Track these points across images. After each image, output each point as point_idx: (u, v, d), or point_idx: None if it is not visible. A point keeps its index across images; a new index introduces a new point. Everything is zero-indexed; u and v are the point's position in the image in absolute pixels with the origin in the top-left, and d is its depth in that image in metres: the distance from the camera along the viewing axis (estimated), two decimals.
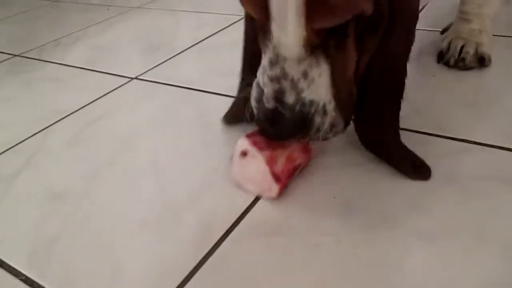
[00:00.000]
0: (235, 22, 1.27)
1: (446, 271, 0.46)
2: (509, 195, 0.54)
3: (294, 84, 0.49)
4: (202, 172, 0.66)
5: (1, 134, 0.86)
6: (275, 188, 0.56)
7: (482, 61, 0.83)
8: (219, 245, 0.53)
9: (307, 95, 0.50)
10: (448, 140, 0.65)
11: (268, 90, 0.50)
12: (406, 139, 0.61)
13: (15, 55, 1.31)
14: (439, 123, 0.69)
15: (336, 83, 0.51)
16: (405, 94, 0.59)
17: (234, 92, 0.73)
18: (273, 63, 0.49)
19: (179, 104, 0.88)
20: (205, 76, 0.98)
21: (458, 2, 0.87)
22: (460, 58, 0.84)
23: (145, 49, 1.21)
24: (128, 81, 1.02)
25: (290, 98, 0.49)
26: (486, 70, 0.83)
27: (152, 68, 1.07)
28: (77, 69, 1.14)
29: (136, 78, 1.03)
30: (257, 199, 0.59)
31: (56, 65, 1.19)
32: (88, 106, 0.93)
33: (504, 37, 0.95)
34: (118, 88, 0.99)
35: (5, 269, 0.55)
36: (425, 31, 0.98)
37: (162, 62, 1.10)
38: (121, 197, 0.64)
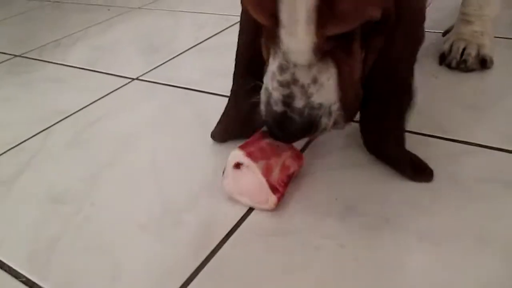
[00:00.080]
0: (235, 23, 1.27)
1: (447, 272, 0.46)
2: (509, 198, 0.54)
3: (304, 90, 0.50)
4: (202, 173, 0.66)
5: (2, 134, 0.86)
6: (273, 199, 0.55)
7: (484, 63, 0.83)
8: (220, 247, 0.53)
9: (316, 99, 0.50)
10: (449, 141, 0.65)
11: (277, 94, 0.51)
12: (407, 140, 0.60)
13: (15, 56, 1.31)
14: (440, 124, 0.69)
15: (342, 85, 0.51)
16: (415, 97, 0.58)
17: None
18: (283, 69, 0.49)
19: (179, 104, 0.88)
20: (206, 77, 0.98)
21: (460, 3, 0.87)
22: (462, 60, 0.83)
23: (146, 49, 1.21)
24: (129, 82, 1.02)
25: (299, 103, 0.50)
26: (487, 72, 0.83)
27: (153, 69, 1.07)
28: (77, 69, 1.14)
29: (136, 78, 1.03)
30: None
31: (57, 65, 1.19)
32: (89, 106, 0.93)
33: (505, 39, 0.95)
34: (119, 89, 0.99)
35: (5, 270, 0.55)
36: (426, 32, 0.97)
37: (163, 63, 1.09)
38: (121, 198, 0.64)
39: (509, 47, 0.92)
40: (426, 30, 0.57)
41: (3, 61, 1.28)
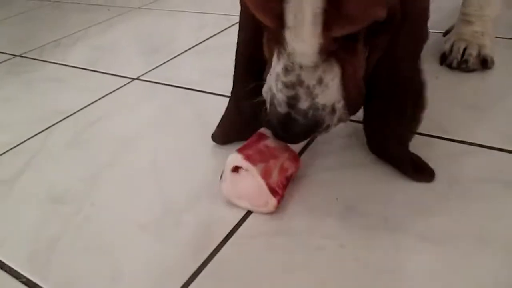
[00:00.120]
0: (236, 23, 1.27)
1: (447, 273, 0.46)
2: (509, 198, 0.54)
3: (309, 91, 0.49)
4: (202, 173, 0.66)
5: (2, 134, 0.86)
6: (272, 201, 0.55)
7: (484, 63, 0.83)
8: (220, 248, 0.53)
9: (320, 100, 0.50)
10: (449, 142, 0.65)
11: (281, 95, 0.51)
12: None
13: (15, 56, 1.31)
14: (440, 124, 0.69)
15: (346, 83, 0.51)
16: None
17: None
18: (288, 70, 0.49)
19: (179, 105, 0.88)
20: (206, 77, 0.98)
21: (460, 4, 0.87)
22: (463, 60, 0.83)
23: (146, 49, 1.21)
24: (129, 82, 1.02)
25: (304, 104, 0.50)
26: (488, 72, 0.83)
27: (153, 69, 1.07)
28: (77, 69, 1.14)
29: (137, 78, 1.03)
30: None
31: (57, 65, 1.19)
32: (89, 106, 0.93)
33: (505, 39, 0.95)
34: (119, 89, 0.99)
35: (5, 271, 0.55)
36: None
37: (163, 63, 1.09)
38: (121, 198, 0.64)
39: (509, 47, 0.92)
40: None
41: (3, 61, 1.28)
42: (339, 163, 0.64)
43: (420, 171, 0.58)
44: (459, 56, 0.84)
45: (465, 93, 0.77)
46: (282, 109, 0.51)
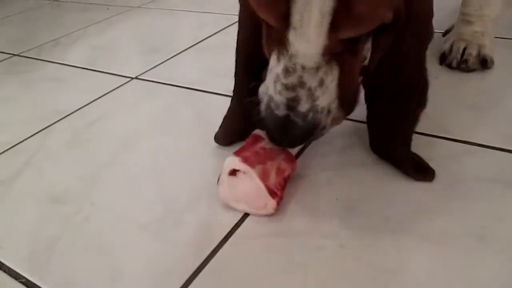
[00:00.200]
0: (235, 22, 1.27)
1: (448, 273, 0.46)
2: (510, 198, 0.54)
3: (310, 93, 0.48)
4: (202, 173, 0.66)
5: (1, 134, 0.86)
6: (272, 203, 0.54)
7: (484, 63, 0.83)
8: (220, 247, 0.53)
9: (320, 102, 0.49)
10: (450, 141, 0.65)
11: (280, 98, 0.49)
12: None
13: (14, 55, 1.30)
14: (441, 124, 0.69)
15: (343, 84, 0.51)
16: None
17: None
18: (289, 71, 0.48)
19: (179, 104, 0.88)
20: (205, 76, 0.98)
21: (460, 3, 0.87)
22: (462, 60, 0.83)
23: (145, 49, 1.21)
24: (128, 81, 1.01)
25: (304, 106, 0.49)
26: (488, 72, 0.83)
27: (152, 68, 1.07)
28: (77, 68, 1.14)
29: (136, 78, 1.03)
30: None
31: (56, 64, 1.19)
32: (88, 106, 0.92)
33: (505, 39, 0.95)
34: (118, 88, 0.99)
35: (4, 271, 0.54)
36: None
37: (162, 62, 1.09)
38: (121, 198, 0.64)
39: (509, 47, 0.92)
40: None
41: (1, 61, 1.27)
42: (339, 163, 0.64)
43: (421, 171, 0.58)
44: (458, 56, 0.84)
45: (465, 93, 0.77)
46: (280, 112, 0.50)
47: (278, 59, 0.49)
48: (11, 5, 1.90)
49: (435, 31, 0.99)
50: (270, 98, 0.51)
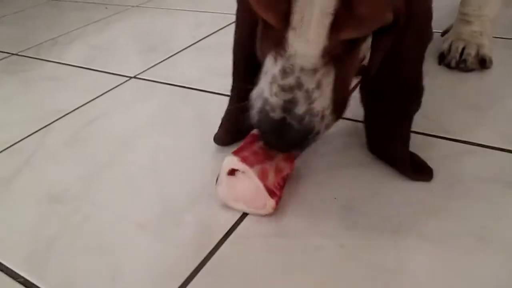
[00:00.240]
0: (233, 22, 1.27)
1: (447, 273, 0.46)
2: (510, 198, 0.54)
3: (308, 95, 0.47)
4: (201, 172, 0.66)
5: None
6: (271, 203, 0.54)
7: (483, 63, 0.83)
8: (219, 247, 0.53)
9: (317, 105, 0.48)
10: (449, 141, 0.65)
11: (276, 100, 0.48)
12: None
13: (12, 54, 1.30)
14: (440, 124, 0.69)
15: (338, 87, 0.50)
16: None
17: None
18: (287, 72, 0.47)
19: (177, 103, 0.88)
20: (204, 75, 0.98)
21: (458, 3, 0.87)
22: (461, 60, 0.84)
23: (143, 48, 1.20)
24: (126, 80, 1.01)
25: (301, 109, 0.48)
26: (487, 71, 0.83)
27: (151, 67, 1.06)
28: (75, 68, 1.14)
29: (134, 77, 1.02)
30: None
31: (54, 64, 1.18)
32: (86, 105, 0.92)
33: (504, 39, 0.95)
34: (116, 87, 0.98)
35: (2, 271, 0.54)
36: None
37: (161, 61, 1.09)
38: (120, 198, 0.64)
39: (508, 47, 0.92)
40: None
41: (0, 60, 1.27)
42: (338, 162, 0.64)
43: (419, 170, 0.58)
44: (457, 56, 0.84)
45: (464, 93, 0.77)
46: (276, 114, 0.48)
47: (275, 60, 0.48)
48: (9, 4, 1.90)
49: (434, 31, 0.99)
50: (265, 101, 0.49)
